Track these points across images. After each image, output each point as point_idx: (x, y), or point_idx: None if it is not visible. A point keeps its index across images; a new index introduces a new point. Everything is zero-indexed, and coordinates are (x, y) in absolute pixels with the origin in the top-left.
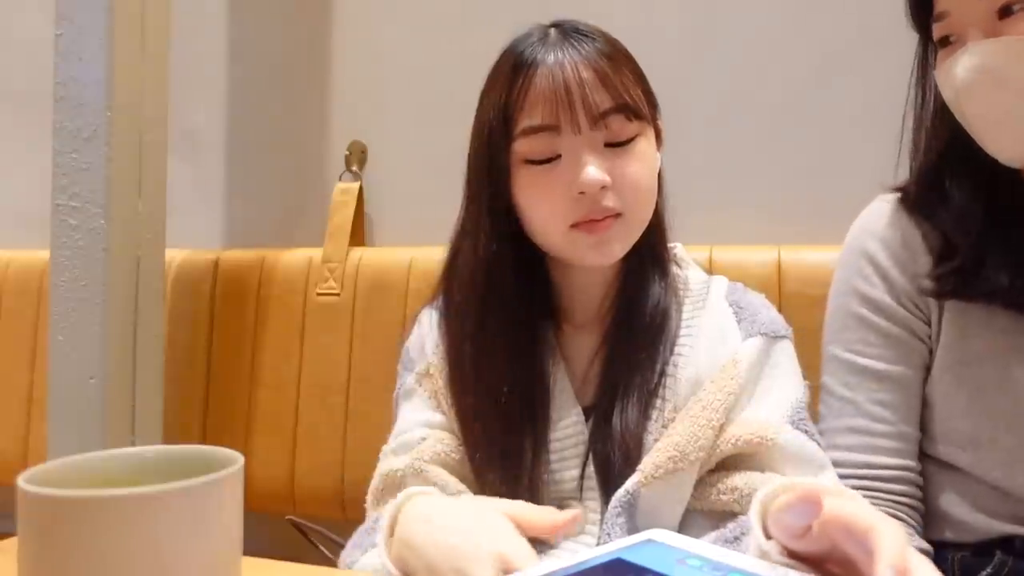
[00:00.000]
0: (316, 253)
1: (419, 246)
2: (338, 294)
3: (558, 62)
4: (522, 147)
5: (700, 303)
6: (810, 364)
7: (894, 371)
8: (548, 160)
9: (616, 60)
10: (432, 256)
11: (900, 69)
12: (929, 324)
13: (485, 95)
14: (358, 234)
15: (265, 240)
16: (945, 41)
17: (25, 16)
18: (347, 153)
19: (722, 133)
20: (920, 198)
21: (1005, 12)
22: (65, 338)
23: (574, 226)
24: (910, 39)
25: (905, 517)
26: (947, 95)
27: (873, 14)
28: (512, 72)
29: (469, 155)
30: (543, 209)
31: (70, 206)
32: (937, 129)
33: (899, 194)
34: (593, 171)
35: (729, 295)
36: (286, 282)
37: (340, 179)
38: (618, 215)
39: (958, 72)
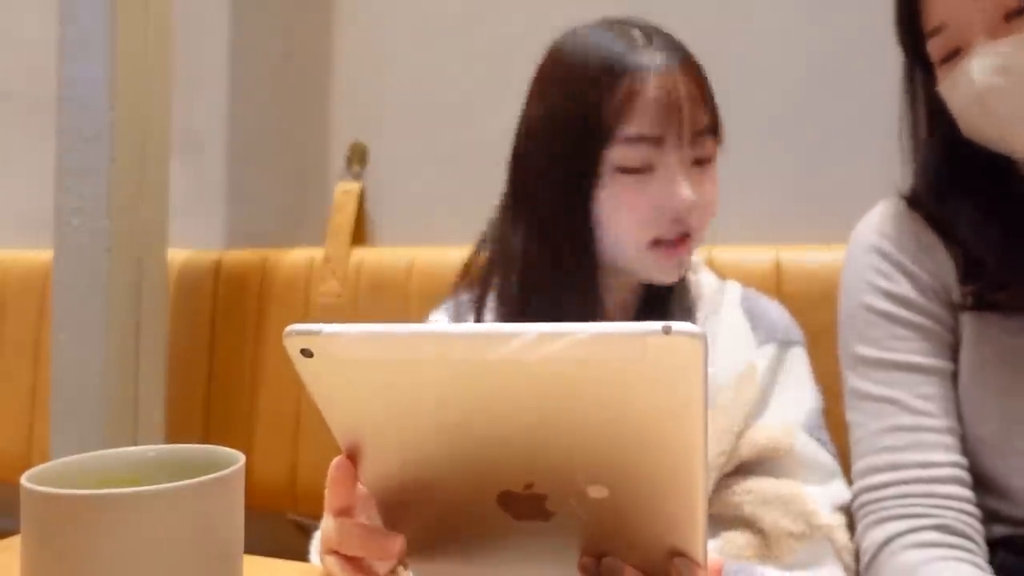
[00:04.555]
0: (317, 253)
1: (420, 246)
2: (339, 294)
3: (667, 70)
4: (617, 155)
5: (714, 308)
6: (813, 365)
7: (933, 364)
8: (640, 171)
9: (703, 73)
10: (433, 256)
11: (900, 69)
12: (955, 320)
13: (570, 92)
14: (359, 234)
15: (267, 240)
16: (945, 56)
17: (28, 17)
18: (348, 154)
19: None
20: (932, 209)
21: (1015, 14)
22: (68, 338)
23: (652, 244)
24: None
25: (972, 532)
26: (961, 103)
27: (873, 14)
28: (607, 74)
29: (523, 153)
30: (626, 221)
31: (73, 207)
32: (934, 148)
33: (906, 201)
34: (686, 190)
35: (743, 301)
36: (288, 282)
37: (341, 179)
38: (689, 236)
39: (975, 76)
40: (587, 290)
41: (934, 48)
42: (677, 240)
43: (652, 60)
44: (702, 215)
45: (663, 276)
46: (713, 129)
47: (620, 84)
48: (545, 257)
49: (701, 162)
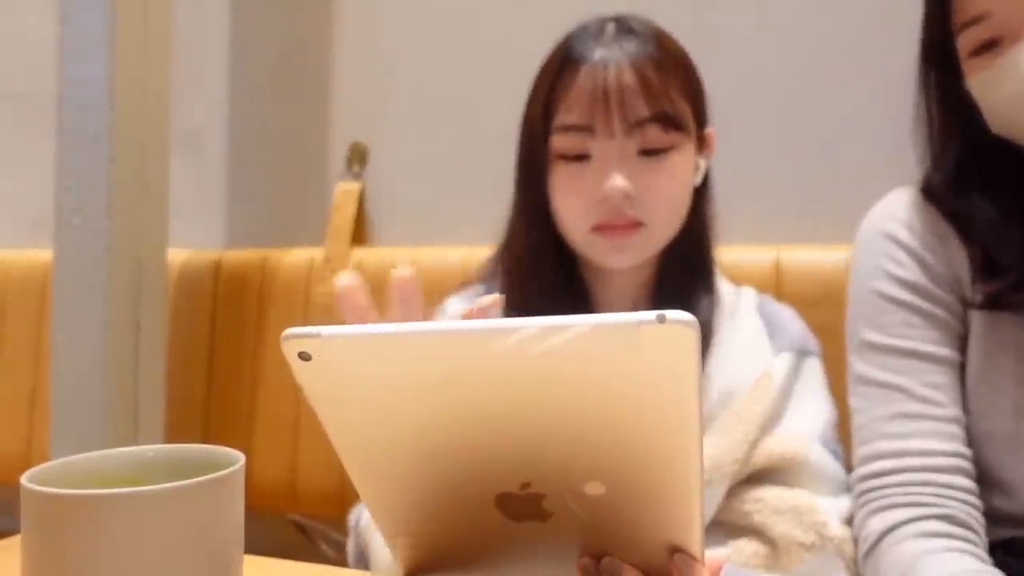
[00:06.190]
0: (317, 253)
1: (420, 246)
2: None
3: (603, 62)
4: (557, 143)
5: (730, 314)
6: None
7: (942, 353)
8: (579, 159)
9: (664, 66)
10: (433, 256)
11: (899, 69)
12: (965, 311)
13: (534, 86)
14: (359, 234)
15: (267, 240)
16: (977, 48)
17: (28, 17)
18: (348, 154)
19: (720, 133)
20: (949, 204)
21: None
22: (68, 338)
23: (595, 229)
24: (908, 39)
25: (974, 523)
26: (1010, 95)
27: (872, 14)
28: (560, 65)
29: (517, 147)
30: (568, 207)
31: (73, 207)
32: (951, 147)
33: (922, 192)
34: (618, 179)
35: (760, 307)
36: (288, 282)
37: (341, 179)
38: (640, 224)
39: None
40: (571, 281)
41: (966, 40)
42: (620, 226)
43: (589, 52)
44: (647, 205)
45: (607, 261)
46: (659, 119)
47: (561, 76)
48: (524, 246)
49: (651, 152)
